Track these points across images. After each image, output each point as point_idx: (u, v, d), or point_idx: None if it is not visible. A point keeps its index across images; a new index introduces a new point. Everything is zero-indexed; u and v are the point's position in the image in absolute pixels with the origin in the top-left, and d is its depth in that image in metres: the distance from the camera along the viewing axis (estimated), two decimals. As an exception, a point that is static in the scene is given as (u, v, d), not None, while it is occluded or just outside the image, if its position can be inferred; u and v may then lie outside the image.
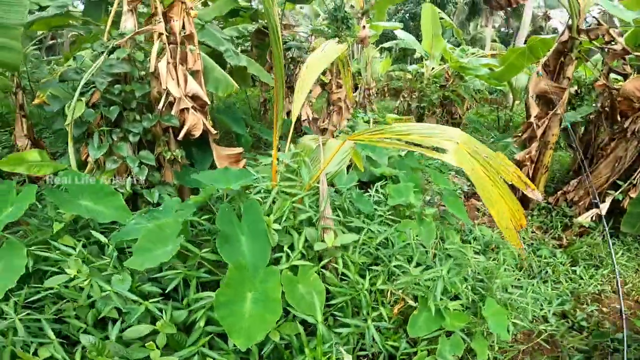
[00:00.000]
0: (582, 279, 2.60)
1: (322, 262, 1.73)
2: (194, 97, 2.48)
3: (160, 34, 2.50)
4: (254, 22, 6.21)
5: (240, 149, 2.97)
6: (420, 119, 6.00)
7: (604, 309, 2.44)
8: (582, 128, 3.98)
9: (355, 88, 10.25)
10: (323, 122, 5.82)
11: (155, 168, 2.41)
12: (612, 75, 3.96)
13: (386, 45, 9.71)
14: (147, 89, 2.34)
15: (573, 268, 2.70)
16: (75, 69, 2.49)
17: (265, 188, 1.72)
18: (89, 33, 4.35)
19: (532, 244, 3.05)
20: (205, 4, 5.12)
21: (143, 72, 2.48)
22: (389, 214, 2.12)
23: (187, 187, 2.65)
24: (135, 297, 1.40)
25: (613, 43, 3.36)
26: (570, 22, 3.35)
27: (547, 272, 2.60)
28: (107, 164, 2.24)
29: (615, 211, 3.11)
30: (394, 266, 1.80)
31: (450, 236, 2.33)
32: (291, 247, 1.68)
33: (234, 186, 1.68)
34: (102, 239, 1.59)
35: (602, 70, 3.63)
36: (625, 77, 3.80)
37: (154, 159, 2.32)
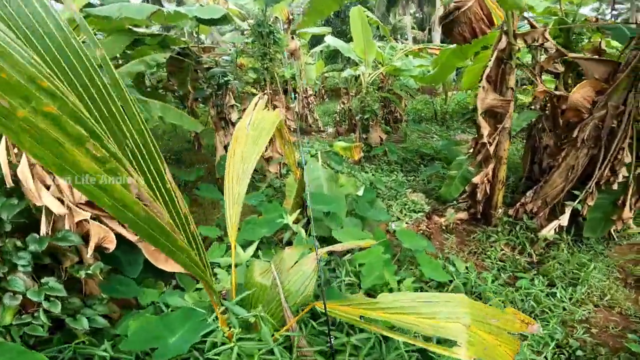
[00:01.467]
0: (563, 302, 2.56)
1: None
2: (90, 203, 1.92)
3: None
4: (166, 49, 5.48)
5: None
6: (365, 129, 5.83)
7: (593, 330, 2.42)
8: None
9: (280, 88, 9.93)
10: (265, 151, 5.35)
11: (71, 293, 1.86)
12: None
13: (317, 49, 9.46)
14: (18, 208, 1.74)
15: (552, 290, 2.66)
16: None
17: (222, 341, 1.33)
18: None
19: (505, 267, 2.99)
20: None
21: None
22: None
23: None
24: None
25: (548, 45, 3.40)
26: (505, 26, 3.27)
27: (532, 304, 2.52)
28: (4, 301, 1.66)
29: (575, 218, 3.17)
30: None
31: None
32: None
33: (182, 347, 1.28)
34: None
35: (536, 73, 3.68)
36: (557, 76, 3.92)
37: (62, 288, 1.75)
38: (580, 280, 2.69)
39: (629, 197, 3.01)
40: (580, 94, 2.95)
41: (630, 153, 2.98)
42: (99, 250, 2.00)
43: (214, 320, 1.44)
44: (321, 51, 10.12)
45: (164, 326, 1.56)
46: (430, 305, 1.06)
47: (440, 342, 1.54)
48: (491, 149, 3.20)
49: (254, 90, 5.51)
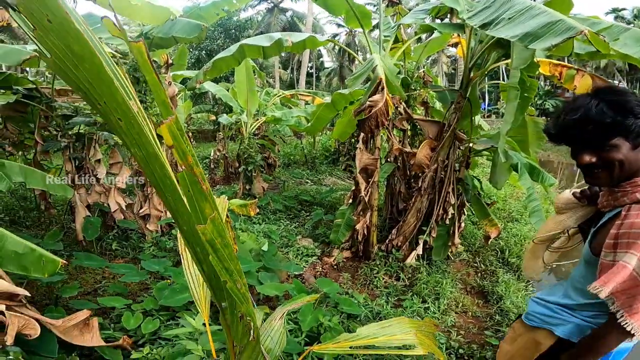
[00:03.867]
0: (435, 313, 3.59)
1: None
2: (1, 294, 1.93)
3: None
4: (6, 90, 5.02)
5: (87, 312, 2.48)
6: (249, 180, 6.41)
7: (461, 332, 3.41)
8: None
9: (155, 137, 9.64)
10: (141, 208, 5.26)
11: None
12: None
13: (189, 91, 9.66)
14: None
15: (426, 305, 3.69)
16: None
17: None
18: None
19: (390, 292, 3.95)
20: None
21: None
22: None
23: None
24: None
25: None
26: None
27: (417, 318, 3.42)
28: None
29: (426, 247, 4.54)
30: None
31: None
32: None
33: None
34: None
35: (393, 134, 5.16)
36: (404, 132, 5.49)
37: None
38: (441, 295, 3.89)
39: (456, 227, 4.56)
40: (423, 153, 4.38)
41: (453, 195, 4.55)
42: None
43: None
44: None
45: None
46: (390, 327, 1.67)
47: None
48: (367, 199, 4.32)
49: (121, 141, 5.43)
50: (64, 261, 2.31)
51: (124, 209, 5.13)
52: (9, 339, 1.91)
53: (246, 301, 1.01)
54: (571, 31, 2.27)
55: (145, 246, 4.62)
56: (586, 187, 1.37)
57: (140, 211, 5.21)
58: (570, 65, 4.58)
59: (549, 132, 1.25)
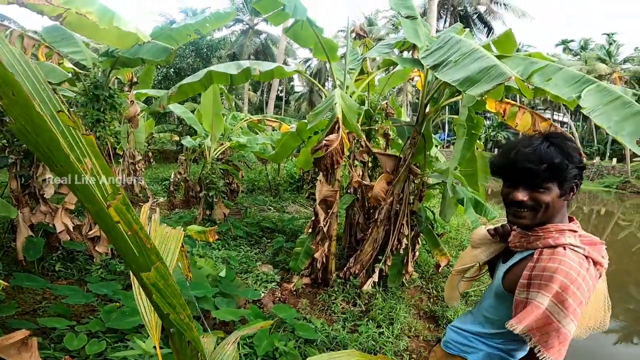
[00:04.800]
0: (389, 338, 3.73)
1: None
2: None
3: None
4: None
5: (25, 332, 2.38)
6: (210, 206, 6.40)
7: (413, 356, 3.58)
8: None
9: (110, 154, 9.37)
10: (90, 229, 5.09)
11: None
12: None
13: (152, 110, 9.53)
14: None
15: (381, 330, 3.82)
16: None
17: None
18: None
19: (347, 317, 4.06)
20: None
21: None
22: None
23: None
24: None
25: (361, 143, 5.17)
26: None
27: (372, 343, 3.59)
28: None
29: (382, 274, 4.74)
30: None
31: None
32: None
33: None
34: None
35: (353, 165, 5.45)
36: (365, 164, 5.80)
37: None
38: (395, 320, 4.04)
39: (410, 257, 4.82)
40: (379, 187, 4.67)
41: (407, 227, 4.83)
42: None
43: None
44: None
45: None
46: (341, 359, 1.71)
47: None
48: (325, 230, 4.49)
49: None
50: (5, 283, 2.26)
51: (71, 230, 4.95)
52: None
53: (190, 329, 1.09)
54: (501, 77, 2.45)
55: (92, 268, 4.48)
56: (499, 225, 1.53)
57: (90, 233, 5.05)
58: (513, 102, 5.11)
59: (494, 163, 1.31)
